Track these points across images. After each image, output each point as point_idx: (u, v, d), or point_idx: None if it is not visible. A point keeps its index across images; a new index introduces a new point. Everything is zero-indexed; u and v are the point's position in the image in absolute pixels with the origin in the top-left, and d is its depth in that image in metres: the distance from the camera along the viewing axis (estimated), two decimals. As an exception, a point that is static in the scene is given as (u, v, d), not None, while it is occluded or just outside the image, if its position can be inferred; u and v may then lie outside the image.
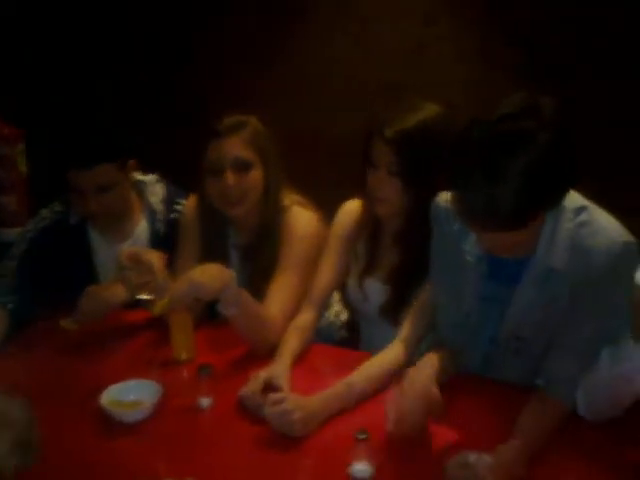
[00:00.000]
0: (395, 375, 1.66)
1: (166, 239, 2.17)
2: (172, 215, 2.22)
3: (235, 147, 1.95)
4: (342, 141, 2.72)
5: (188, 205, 2.17)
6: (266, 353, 1.81)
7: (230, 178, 1.93)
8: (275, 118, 2.04)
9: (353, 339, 2.21)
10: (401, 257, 1.88)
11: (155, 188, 2.25)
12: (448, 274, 1.66)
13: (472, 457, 1.31)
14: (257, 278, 2.02)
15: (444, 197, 1.65)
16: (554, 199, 1.38)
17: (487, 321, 1.63)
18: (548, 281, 1.50)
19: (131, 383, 1.69)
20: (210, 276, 1.71)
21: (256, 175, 1.98)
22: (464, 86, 3.07)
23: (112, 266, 1.98)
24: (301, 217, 2.03)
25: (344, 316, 2.32)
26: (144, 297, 1.84)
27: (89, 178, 2.00)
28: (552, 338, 1.54)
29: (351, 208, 1.98)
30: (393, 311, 1.89)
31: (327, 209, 2.10)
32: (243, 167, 1.96)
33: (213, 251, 2.05)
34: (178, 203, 2.23)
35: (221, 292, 1.71)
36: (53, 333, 2.01)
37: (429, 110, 1.78)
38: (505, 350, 1.63)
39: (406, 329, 1.76)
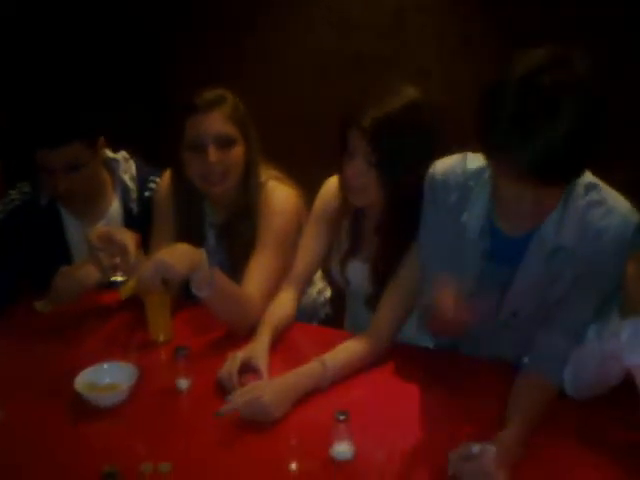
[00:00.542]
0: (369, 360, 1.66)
1: (140, 218, 2.13)
2: (146, 193, 2.18)
3: (217, 122, 1.89)
4: (320, 117, 2.67)
5: (162, 183, 2.12)
6: (245, 334, 1.78)
7: (213, 154, 1.88)
8: (249, 92, 1.98)
9: (338, 316, 2.19)
10: (382, 248, 1.81)
11: (126, 166, 2.20)
12: (444, 250, 1.60)
13: (475, 448, 1.29)
14: (235, 257, 1.99)
15: (440, 167, 1.60)
16: (594, 157, 1.30)
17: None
18: (554, 259, 1.47)
19: (106, 366, 1.66)
20: (179, 256, 1.65)
21: (238, 151, 1.93)
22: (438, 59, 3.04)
23: (85, 247, 1.93)
24: (279, 192, 1.99)
25: (328, 293, 2.30)
26: (117, 279, 1.79)
27: (58, 157, 1.94)
28: (546, 314, 1.52)
29: (331, 186, 1.93)
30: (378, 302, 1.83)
31: (306, 187, 2.06)
32: (226, 143, 1.90)
33: (189, 230, 2.01)
34: (151, 181, 2.18)
35: (191, 273, 1.65)
36: (26, 316, 1.98)
37: (407, 96, 1.67)
38: (499, 327, 1.61)
39: (383, 313, 1.73)
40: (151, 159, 2.20)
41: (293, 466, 1.39)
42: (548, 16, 2.83)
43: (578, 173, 1.33)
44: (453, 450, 1.31)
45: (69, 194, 2.03)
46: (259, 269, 1.89)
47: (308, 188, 2.05)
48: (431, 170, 1.62)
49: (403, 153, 1.65)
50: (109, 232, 1.80)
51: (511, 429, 1.36)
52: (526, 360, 1.54)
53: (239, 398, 1.49)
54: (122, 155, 2.21)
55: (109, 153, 2.18)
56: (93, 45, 3.62)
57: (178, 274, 1.64)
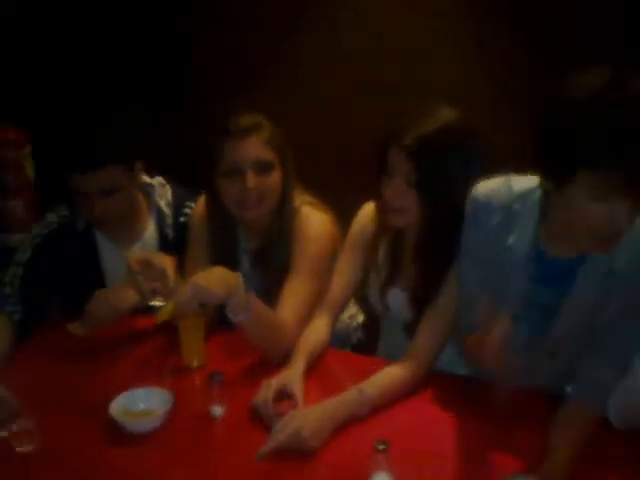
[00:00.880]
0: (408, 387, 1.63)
1: (175, 243, 2.13)
2: (181, 219, 2.18)
3: (256, 148, 1.89)
4: (355, 142, 2.67)
5: (196, 208, 2.12)
6: (279, 360, 1.76)
7: (251, 180, 1.87)
8: (284, 118, 1.98)
9: (370, 341, 2.16)
10: (420, 274, 1.77)
11: (162, 191, 2.20)
12: (485, 272, 1.58)
13: (520, 479, 1.25)
14: (269, 282, 1.97)
15: (483, 189, 1.57)
16: None
17: (526, 325, 1.56)
18: (604, 283, 1.43)
19: (140, 391, 1.64)
20: (216, 280, 1.64)
21: (276, 177, 1.93)
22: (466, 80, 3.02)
23: (120, 271, 1.93)
24: (313, 218, 1.98)
25: (360, 318, 2.28)
26: (156, 303, 1.79)
27: (93, 182, 1.94)
28: (591, 341, 1.48)
29: (368, 212, 1.92)
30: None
31: (341, 214, 2.05)
32: (264, 168, 1.90)
33: (223, 255, 2.00)
34: (186, 206, 2.19)
35: (227, 297, 1.64)
36: (61, 339, 1.97)
37: (447, 115, 1.68)
38: (543, 355, 1.57)
39: (421, 340, 1.70)
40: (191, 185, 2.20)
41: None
42: (564, 17, 2.80)
43: None
44: None
45: (104, 218, 2.03)
46: (293, 295, 1.87)
47: (341, 214, 2.04)
48: (473, 191, 1.59)
49: (443, 173, 1.64)
50: (148, 257, 1.79)
51: (556, 461, 1.32)
52: (569, 389, 1.50)
53: (280, 435, 1.45)
54: (158, 181, 2.22)
55: (145, 178, 2.19)
56: (130, 73, 3.68)
57: (215, 298, 1.62)
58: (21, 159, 3.86)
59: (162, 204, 2.18)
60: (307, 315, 1.86)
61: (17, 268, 2.07)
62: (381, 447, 1.31)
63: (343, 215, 2.02)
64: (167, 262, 1.76)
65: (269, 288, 1.96)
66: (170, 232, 2.17)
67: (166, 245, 2.13)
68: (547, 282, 1.50)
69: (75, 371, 1.85)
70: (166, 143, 3.41)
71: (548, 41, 2.81)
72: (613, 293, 1.43)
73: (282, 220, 1.98)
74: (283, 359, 1.75)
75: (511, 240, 1.51)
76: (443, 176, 1.64)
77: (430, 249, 1.74)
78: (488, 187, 1.57)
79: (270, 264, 2.00)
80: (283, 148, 1.94)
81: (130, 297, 1.87)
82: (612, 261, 1.40)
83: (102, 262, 2.16)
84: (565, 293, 1.48)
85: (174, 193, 2.21)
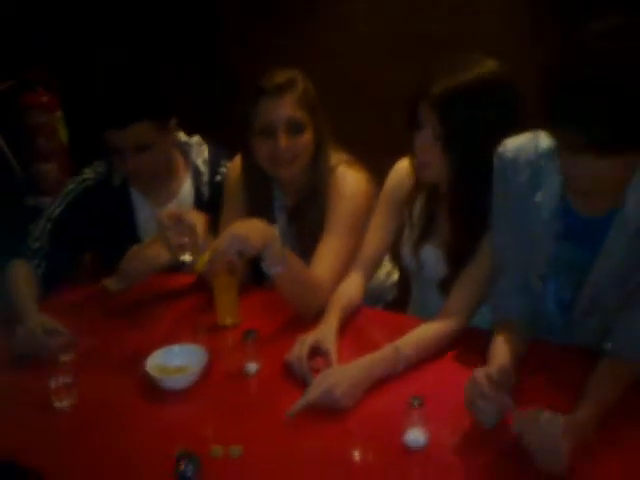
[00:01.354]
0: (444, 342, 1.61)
1: (210, 202, 2.13)
2: (217, 177, 2.18)
3: (288, 107, 1.87)
4: (389, 99, 2.62)
5: (232, 166, 2.12)
6: (312, 317, 1.76)
7: (283, 140, 1.87)
8: (320, 74, 1.95)
9: (404, 299, 2.14)
10: (454, 231, 1.74)
11: (199, 150, 2.20)
12: (515, 232, 1.55)
13: (546, 414, 1.24)
14: (305, 240, 1.97)
15: (510, 145, 1.54)
16: None
17: (558, 286, 1.54)
18: (636, 241, 1.39)
19: (176, 348, 1.66)
20: (254, 230, 1.64)
21: (308, 136, 1.92)
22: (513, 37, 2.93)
23: (154, 228, 1.93)
24: (348, 176, 1.96)
25: (395, 276, 2.26)
26: (185, 259, 1.78)
27: (126, 137, 1.96)
28: (627, 298, 1.44)
29: (403, 167, 1.88)
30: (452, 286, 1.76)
31: (377, 172, 2.02)
32: (296, 129, 1.89)
33: (259, 212, 1.99)
34: (222, 165, 2.18)
35: (264, 247, 1.64)
36: (97, 296, 2.01)
37: (483, 67, 1.61)
38: (576, 313, 1.55)
39: (457, 297, 1.68)
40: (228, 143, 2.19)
41: (365, 452, 1.36)
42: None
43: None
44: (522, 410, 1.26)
45: (138, 174, 2.05)
46: (328, 252, 1.87)
47: (378, 172, 2.01)
48: (500, 148, 1.55)
49: (472, 127, 1.59)
50: (179, 212, 1.79)
51: (584, 408, 1.30)
52: (607, 346, 1.47)
53: (312, 392, 1.45)
54: (196, 140, 2.22)
55: (183, 136, 2.19)
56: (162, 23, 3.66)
57: (253, 247, 1.62)
58: (53, 123, 3.89)
59: (199, 162, 2.18)
60: (342, 272, 1.86)
61: (47, 222, 2.10)
62: (416, 403, 1.31)
63: (379, 173, 1.99)
64: (198, 219, 1.76)
65: (304, 246, 1.96)
66: (206, 191, 2.17)
67: (201, 204, 2.13)
68: (576, 240, 1.48)
69: (111, 328, 1.88)
70: (201, 101, 3.40)
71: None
72: None
73: (317, 179, 1.97)
74: (317, 315, 1.75)
75: (538, 197, 1.48)
76: (470, 130, 1.59)
77: (461, 205, 1.71)
78: (515, 144, 1.53)
79: (305, 222, 1.99)
80: (315, 107, 1.93)
81: (163, 254, 1.88)
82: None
83: (137, 219, 2.18)
84: (595, 252, 1.45)
85: (211, 152, 2.21)
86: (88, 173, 2.17)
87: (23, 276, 1.98)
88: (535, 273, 1.55)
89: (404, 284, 2.17)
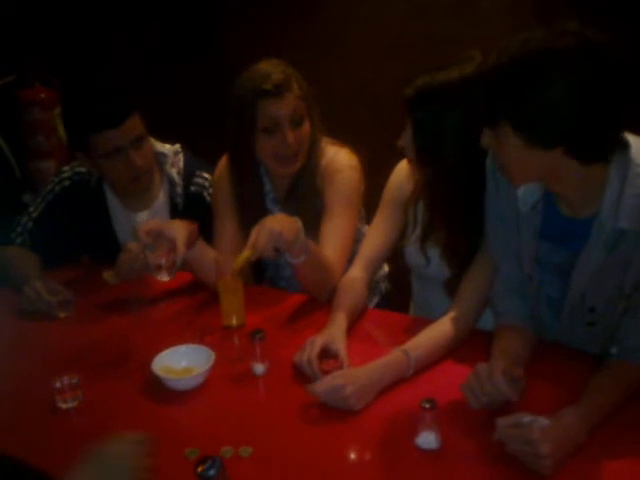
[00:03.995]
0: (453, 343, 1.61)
1: (185, 212, 2.11)
2: (191, 188, 2.18)
3: (291, 104, 1.88)
4: (389, 99, 2.61)
5: (218, 170, 2.11)
6: (325, 299, 1.85)
7: (290, 135, 1.88)
8: (320, 74, 1.96)
9: (399, 292, 2.18)
10: (447, 234, 1.75)
11: (174, 159, 2.20)
12: (506, 231, 1.56)
13: (526, 418, 1.24)
14: (305, 225, 1.96)
15: None
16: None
17: (547, 286, 1.54)
18: (620, 243, 1.38)
19: (182, 349, 1.64)
20: (286, 224, 1.69)
21: (307, 126, 1.95)
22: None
23: (130, 230, 1.93)
24: (339, 154, 2.01)
25: (386, 268, 2.28)
26: (163, 278, 1.77)
27: (126, 132, 1.99)
28: (627, 303, 1.44)
29: (403, 168, 1.88)
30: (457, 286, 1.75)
31: (376, 170, 2.01)
32: (299, 121, 1.91)
33: (253, 209, 1.99)
34: (197, 176, 2.18)
35: (295, 240, 1.68)
36: (101, 297, 2.01)
37: (470, 66, 1.57)
38: (579, 322, 1.54)
39: (464, 298, 1.67)
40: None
41: (376, 455, 1.34)
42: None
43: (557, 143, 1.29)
44: (503, 417, 1.26)
45: (143, 170, 2.06)
46: (333, 232, 1.91)
47: (378, 173, 2.00)
48: None
49: (437, 126, 1.59)
50: (158, 227, 1.77)
51: (572, 407, 1.29)
52: (613, 350, 1.46)
53: (319, 387, 1.44)
54: (174, 149, 2.21)
55: (159, 146, 2.18)
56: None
57: (287, 241, 1.66)
58: (52, 121, 3.86)
59: (173, 172, 2.18)
60: (349, 249, 1.93)
61: (28, 221, 2.17)
62: (428, 405, 1.29)
63: (380, 173, 1.98)
64: (179, 231, 1.76)
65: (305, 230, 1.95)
66: (180, 201, 2.17)
67: (176, 214, 2.13)
68: (559, 242, 1.48)
69: (117, 329, 1.87)
70: (201, 101, 3.38)
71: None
72: (633, 251, 1.38)
73: (308, 156, 1.98)
74: (328, 298, 1.83)
75: (520, 191, 1.49)
76: (438, 129, 1.59)
77: (438, 207, 1.73)
78: None
79: (302, 203, 2.00)
80: (308, 97, 1.95)
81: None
82: (619, 222, 1.35)
83: (113, 221, 2.20)
84: (577, 253, 1.45)
85: (186, 162, 2.21)
86: (67, 172, 2.20)
87: (21, 251, 2.12)
88: (525, 272, 1.55)
89: (395, 277, 2.25)
